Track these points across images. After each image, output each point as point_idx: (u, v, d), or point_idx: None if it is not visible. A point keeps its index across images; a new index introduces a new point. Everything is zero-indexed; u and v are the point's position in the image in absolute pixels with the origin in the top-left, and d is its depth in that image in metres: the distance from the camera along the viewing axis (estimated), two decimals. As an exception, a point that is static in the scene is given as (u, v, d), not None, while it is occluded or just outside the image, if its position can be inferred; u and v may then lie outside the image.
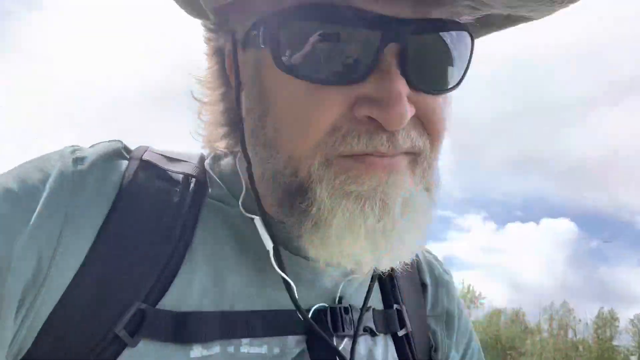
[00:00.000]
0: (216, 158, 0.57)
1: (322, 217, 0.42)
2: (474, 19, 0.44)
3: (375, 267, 0.45)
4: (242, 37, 0.47)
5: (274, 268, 0.47)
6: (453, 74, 0.43)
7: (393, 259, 0.44)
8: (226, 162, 0.56)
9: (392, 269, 0.50)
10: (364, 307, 0.52)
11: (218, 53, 0.54)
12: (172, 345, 0.43)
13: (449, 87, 0.44)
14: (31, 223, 0.42)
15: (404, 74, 0.40)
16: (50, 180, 0.45)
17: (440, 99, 0.44)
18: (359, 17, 0.37)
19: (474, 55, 0.44)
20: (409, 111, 0.40)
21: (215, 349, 0.45)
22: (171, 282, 0.45)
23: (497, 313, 57.04)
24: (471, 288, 57.69)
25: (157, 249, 0.45)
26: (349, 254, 0.43)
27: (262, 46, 0.43)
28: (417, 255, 0.64)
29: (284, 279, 0.46)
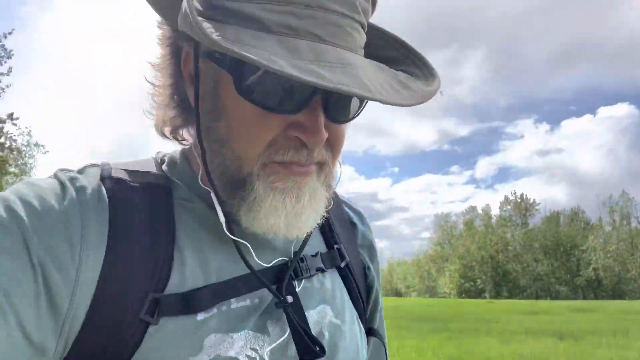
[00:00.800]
0: (171, 165, 0.70)
1: (256, 203, 0.58)
2: None
3: (289, 234, 0.61)
4: (205, 51, 0.59)
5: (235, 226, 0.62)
6: (353, 111, 0.61)
7: (299, 230, 0.61)
8: (181, 166, 0.69)
9: (328, 218, 0.77)
10: (299, 252, 0.70)
11: (173, 46, 0.64)
12: (183, 317, 0.57)
13: (350, 118, 0.62)
14: (55, 237, 0.53)
15: (325, 111, 0.57)
16: (65, 205, 0.56)
17: (343, 126, 0.62)
18: None
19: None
20: (325, 136, 0.57)
21: (214, 310, 0.60)
22: (169, 272, 0.58)
23: (555, 215, 57.24)
24: (525, 197, 58.05)
25: (152, 249, 0.58)
26: (271, 227, 0.60)
27: (225, 70, 0.56)
28: (344, 203, 0.89)
29: (235, 241, 0.62)
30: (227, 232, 0.60)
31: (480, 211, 60.28)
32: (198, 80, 0.60)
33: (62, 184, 0.58)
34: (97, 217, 0.57)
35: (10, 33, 20.30)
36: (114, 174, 0.63)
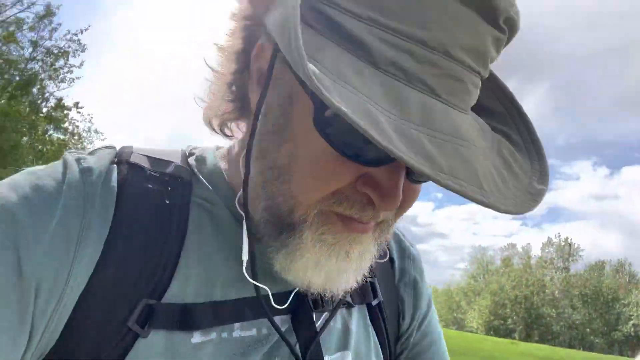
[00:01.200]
0: (200, 159, 0.62)
1: (298, 251, 0.50)
2: None
3: (326, 291, 0.53)
4: (286, 59, 0.43)
5: (257, 260, 0.54)
6: None
7: (338, 288, 0.53)
8: (210, 163, 0.61)
9: None
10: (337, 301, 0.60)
11: (248, 30, 0.55)
12: (177, 333, 0.49)
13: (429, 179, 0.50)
14: (51, 235, 0.47)
15: (407, 169, 0.48)
16: (64, 190, 0.49)
17: (419, 186, 0.52)
18: None
19: None
20: (400, 200, 0.47)
21: (213, 334, 0.51)
22: (171, 278, 0.51)
23: (599, 265, 54.93)
24: (569, 241, 56.02)
25: (156, 249, 0.51)
26: (307, 282, 0.52)
27: (307, 92, 0.45)
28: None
29: (255, 285, 0.53)
30: (247, 275, 0.53)
31: (520, 249, 58.72)
32: (269, 84, 0.51)
33: (65, 167, 0.52)
34: (102, 203, 0.51)
35: (86, 29, 22.19)
36: (133, 158, 0.57)
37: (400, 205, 0.50)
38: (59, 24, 19.45)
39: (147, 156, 0.58)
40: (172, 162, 0.59)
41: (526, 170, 0.52)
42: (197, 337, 0.51)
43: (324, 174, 0.47)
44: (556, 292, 52.97)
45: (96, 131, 27.01)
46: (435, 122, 0.43)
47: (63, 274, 0.47)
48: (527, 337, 50.35)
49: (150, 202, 0.54)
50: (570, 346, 47.79)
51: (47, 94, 19.65)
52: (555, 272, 54.41)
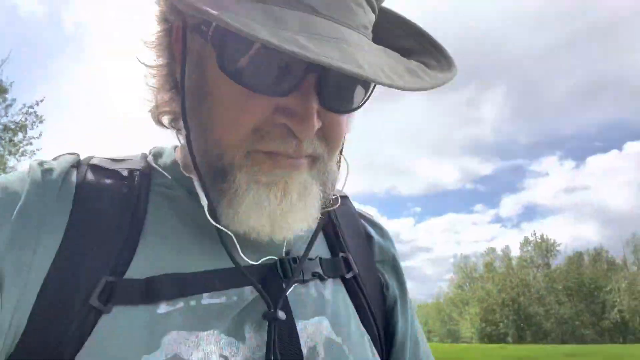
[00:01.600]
0: (157, 154, 0.65)
1: (237, 197, 0.52)
2: None
3: (274, 236, 0.54)
4: (192, 24, 0.52)
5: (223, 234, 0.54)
6: (356, 100, 0.53)
7: (287, 231, 0.54)
8: (167, 156, 0.64)
9: (335, 224, 0.68)
10: (305, 256, 0.60)
11: (166, 21, 0.58)
12: (142, 306, 0.50)
13: (351, 108, 0.54)
14: (12, 226, 0.50)
15: (318, 95, 0.49)
16: (27, 188, 0.53)
17: (343, 116, 0.54)
18: None
19: (374, 88, 0.54)
20: (317, 125, 0.50)
21: (180, 304, 0.52)
22: (132, 255, 0.52)
23: (577, 256, 56.15)
24: (545, 237, 57.36)
25: (115, 230, 0.53)
26: (253, 227, 0.53)
27: (209, 43, 0.50)
28: (361, 216, 0.78)
29: (219, 231, 0.54)
30: (209, 217, 0.54)
31: (500, 252, 59.74)
32: (185, 57, 0.55)
33: (29, 169, 0.56)
34: (60, 198, 0.54)
35: (41, 101, 22.62)
36: (93, 161, 0.61)
37: (326, 137, 0.54)
38: (14, 99, 19.88)
39: (107, 158, 0.62)
40: (131, 159, 0.64)
41: (435, 76, 0.54)
42: (162, 308, 0.52)
43: (239, 113, 0.50)
44: (541, 289, 53.87)
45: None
46: (314, 28, 0.45)
47: (25, 262, 0.49)
48: (520, 339, 50.83)
49: (109, 193, 0.56)
50: (563, 342, 48.39)
51: (8, 169, 19.86)
52: (537, 270, 55.43)
